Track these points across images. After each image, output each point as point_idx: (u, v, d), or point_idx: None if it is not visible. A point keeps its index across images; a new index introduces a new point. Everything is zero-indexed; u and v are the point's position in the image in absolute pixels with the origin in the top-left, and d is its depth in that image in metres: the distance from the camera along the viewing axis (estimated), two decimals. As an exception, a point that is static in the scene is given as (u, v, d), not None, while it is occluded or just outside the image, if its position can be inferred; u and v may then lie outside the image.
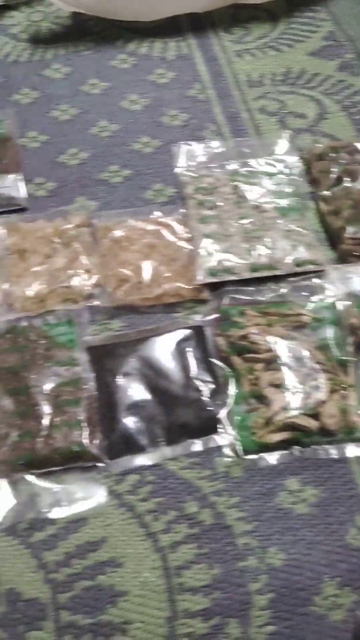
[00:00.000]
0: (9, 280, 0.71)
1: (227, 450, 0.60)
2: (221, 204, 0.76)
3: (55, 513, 0.57)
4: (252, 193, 0.77)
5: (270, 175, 0.79)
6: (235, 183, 0.78)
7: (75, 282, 0.71)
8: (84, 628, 0.52)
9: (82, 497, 0.58)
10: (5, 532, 0.56)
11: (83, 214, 0.77)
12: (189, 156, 0.82)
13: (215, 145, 0.83)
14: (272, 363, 0.63)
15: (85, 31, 0.99)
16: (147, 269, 0.72)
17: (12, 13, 1.02)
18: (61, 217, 0.77)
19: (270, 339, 0.64)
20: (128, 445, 0.61)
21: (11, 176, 0.81)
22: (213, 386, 0.63)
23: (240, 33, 0.98)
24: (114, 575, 0.54)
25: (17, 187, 0.80)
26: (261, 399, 0.61)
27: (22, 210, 0.79)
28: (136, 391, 0.63)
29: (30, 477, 0.59)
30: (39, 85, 0.92)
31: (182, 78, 0.93)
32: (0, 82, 0.92)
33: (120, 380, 0.64)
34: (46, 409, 0.62)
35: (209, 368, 0.65)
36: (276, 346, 0.64)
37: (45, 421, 0.61)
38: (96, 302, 0.70)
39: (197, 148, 0.83)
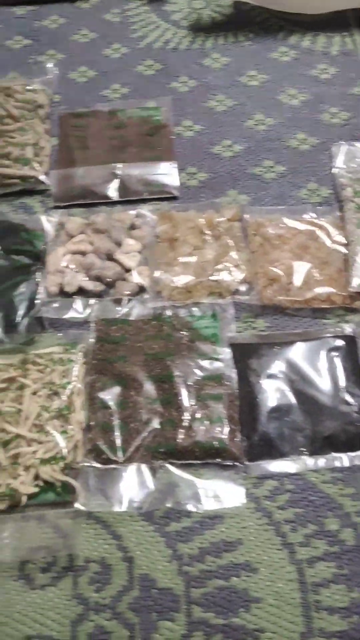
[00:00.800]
0: (158, 268, 0.72)
1: (375, 471, 0.57)
2: (383, 210, 0.73)
3: (193, 506, 0.57)
4: None
5: None
6: None
7: (224, 276, 0.70)
8: (215, 627, 0.52)
9: (221, 495, 0.57)
10: (143, 517, 0.57)
11: (235, 207, 0.76)
12: (349, 157, 0.79)
13: (379, 147, 0.80)
14: None
15: (247, 21, 0.97)
16: (299, 271, 0.70)
17: None
18: (212, 209, 0.76)
19: None
20: (269, 449, 0.59)
21: (165, 164, 0.81)
22: (363, 401, 0.61)
23: None
24: (248, 579, 0.54)
25: (170, 175, 0.80)
26: None
27: (173, 198, 0.79)
28: (280, 395, 0.62)
29: (170, 467, 0.59)
30: (197, 74, 0.92)
31: (345, 75, 0.89)
32: (160, 69, 0.93)
33: (264, 381, 0.63)
34: (189, 400, 0.62)
35: (359, 381, 0.62)
36: None
37: (188, 413, 0.61)
38: (242, 299, 0.69)
39: (359, 149, 0.79)
